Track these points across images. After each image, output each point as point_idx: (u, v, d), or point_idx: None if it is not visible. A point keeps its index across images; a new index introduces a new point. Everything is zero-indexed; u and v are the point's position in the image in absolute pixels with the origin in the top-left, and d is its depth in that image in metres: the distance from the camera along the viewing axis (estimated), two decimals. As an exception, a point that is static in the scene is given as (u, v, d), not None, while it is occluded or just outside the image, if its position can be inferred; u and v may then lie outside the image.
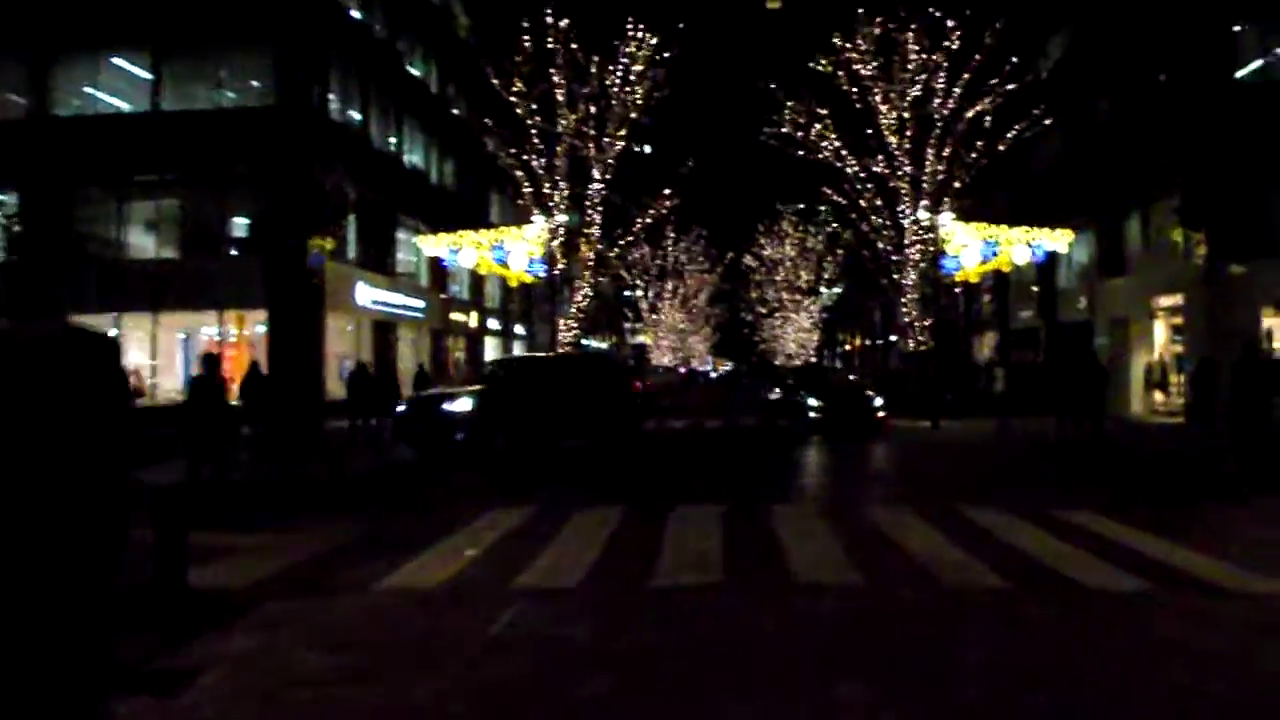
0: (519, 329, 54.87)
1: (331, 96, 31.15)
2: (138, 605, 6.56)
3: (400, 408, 22.37)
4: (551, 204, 34.87)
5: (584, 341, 78.66)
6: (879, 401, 26.18)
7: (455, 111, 43.33)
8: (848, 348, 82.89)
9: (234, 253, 30.22)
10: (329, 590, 7.79)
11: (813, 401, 25.64)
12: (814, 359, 79.65)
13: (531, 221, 33.32)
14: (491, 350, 50.05)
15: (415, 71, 39.69)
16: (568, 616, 6.91)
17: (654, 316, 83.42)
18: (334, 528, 10.84)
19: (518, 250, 33.29)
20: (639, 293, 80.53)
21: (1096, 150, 33.28)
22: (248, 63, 29.20)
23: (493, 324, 50.48)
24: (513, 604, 7.24)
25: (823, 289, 76.40)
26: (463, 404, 21.17)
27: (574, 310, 36.21)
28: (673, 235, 79.69)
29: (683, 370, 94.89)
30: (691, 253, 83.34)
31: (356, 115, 33.07)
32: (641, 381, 29.14)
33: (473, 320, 46.59)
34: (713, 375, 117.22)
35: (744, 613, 6.99)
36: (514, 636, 6.49)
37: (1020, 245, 32.51)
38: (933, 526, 10.34)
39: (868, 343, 73.67)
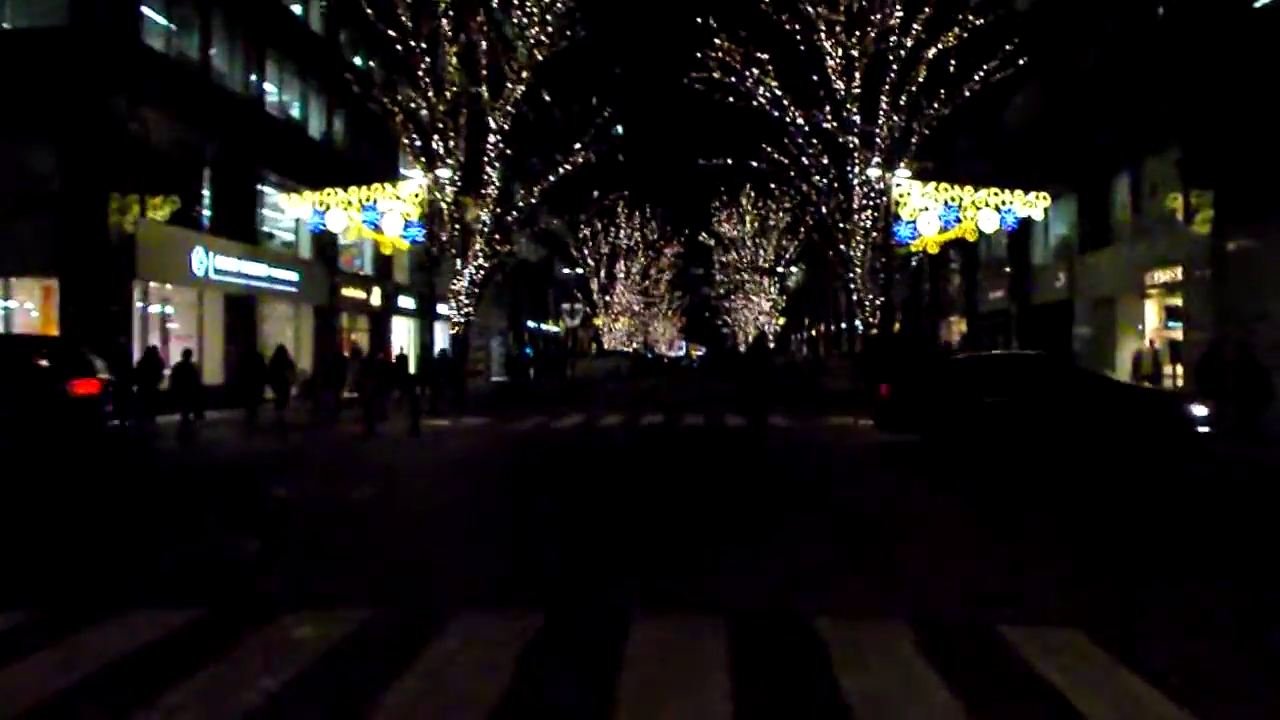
0: (445, 308, 49.40)
1: (156, 18, 25.64)
2: None
3: None
4: (438, 158, 29.40)
5: (530, 324, 73.86)
6: (1201, 411, 15.47)
7: (358, 61, 37.72)
8: (813, 332, 77.74)
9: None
10: None
11: (1200, 411, 15.38)
12: (773, 345, 74.39)
13: (407, 177, 27.93)
14: (402, 333, 44.64)
15: (295, 9, 34.17)
16: None
17: (606, 298, 78.12)
18: None
19: (392, 211, 27.98)
20: (586, 272, 75.07)
21: (1079, 98, 28.15)
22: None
23: (406, 302, 44.94)
24: None
25: (780, 269, 71.00)
26: None
27: (465, 285, 30.67)
28: (623, 210, 74.68)
29: (649, 355, 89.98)
30: (645, 231, 78.41)
31: (194, 46, 27.46)
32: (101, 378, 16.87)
33: (375, 298, 41.08)
34: (685, 362, 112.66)
35: None
36: None
37: (987, 210, 27.49)
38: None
39: (832, 327, 68.51)
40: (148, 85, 24.41)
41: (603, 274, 76.43)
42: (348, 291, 38.38)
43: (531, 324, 73.68)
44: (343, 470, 15.15)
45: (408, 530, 9.80)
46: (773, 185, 39.34)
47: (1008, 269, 34.54)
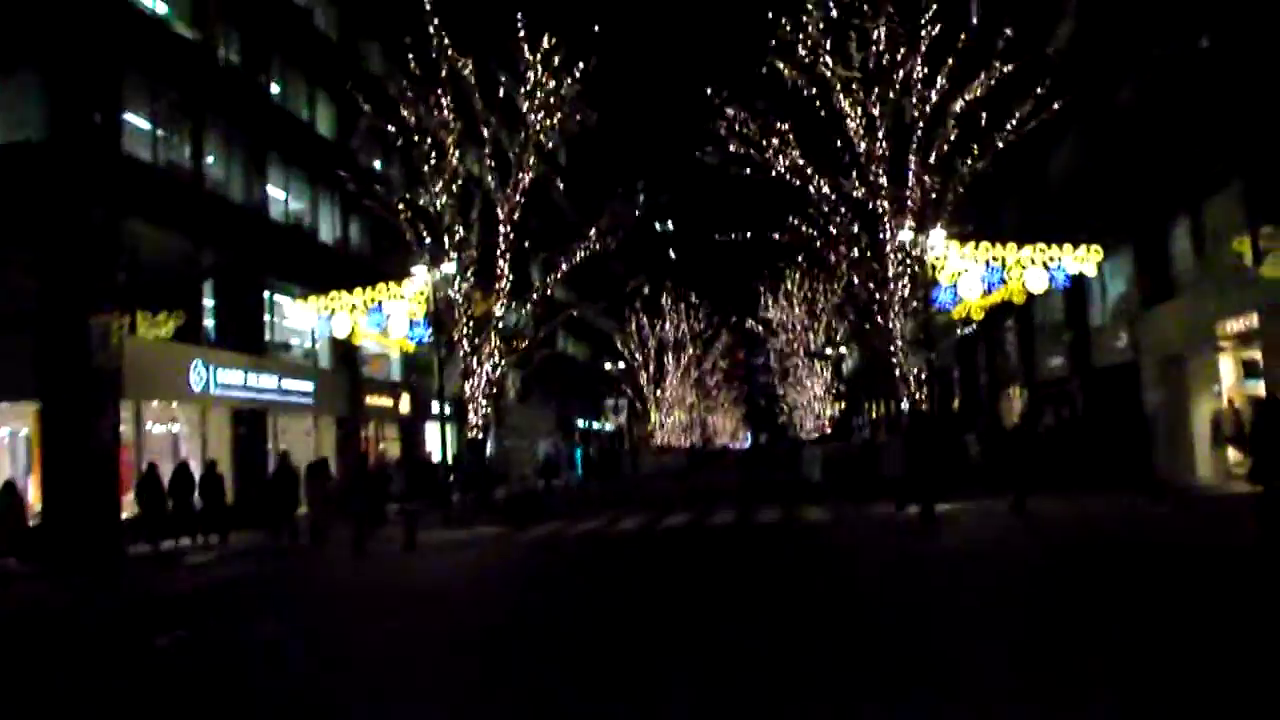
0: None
1: (142, 124, 24.74)
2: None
3: None
4: (444, 254, 27.98)
5: (581, 422, 72.07)
6: None
7: (377, 164, 36.85)
8: (874, 415, 75.00)
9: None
10: None
11: None
12: (829, 430, 71.67)
13: (411, 275, 26.54)
14: (435, 440, 43.03)
15: (303, 114, 33.42)
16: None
17: (658, 392, 76.16)
18: None
19: (397, 312, 26.61)
20: (636, 366, 73.35)
21: (1124, 141, 26.00)
22: (14, 85, 22.89)
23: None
24: None
25: (829, 350, 68.61)
26: None
27: (481, 384, 28.89)
28: (668, 300, 73.52)
29: (704, 449, 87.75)
30: (693, 322, 76.89)
31: (185, 155, 26.51)
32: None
33: (404, 405, 39.64)
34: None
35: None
36: None
37: (1035, 269, 25.30)
38: None
39: (891, 407, 65.77)
40: (132, 196, 23.40)
41: (651, 368, 74.70)
42: (373, 400, 37.00)
43: (582, 423, 71.93)
44: (284, 599, 13.38)
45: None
46: (801, 258, 37.33)
47: (1065, 335, 32.08)
